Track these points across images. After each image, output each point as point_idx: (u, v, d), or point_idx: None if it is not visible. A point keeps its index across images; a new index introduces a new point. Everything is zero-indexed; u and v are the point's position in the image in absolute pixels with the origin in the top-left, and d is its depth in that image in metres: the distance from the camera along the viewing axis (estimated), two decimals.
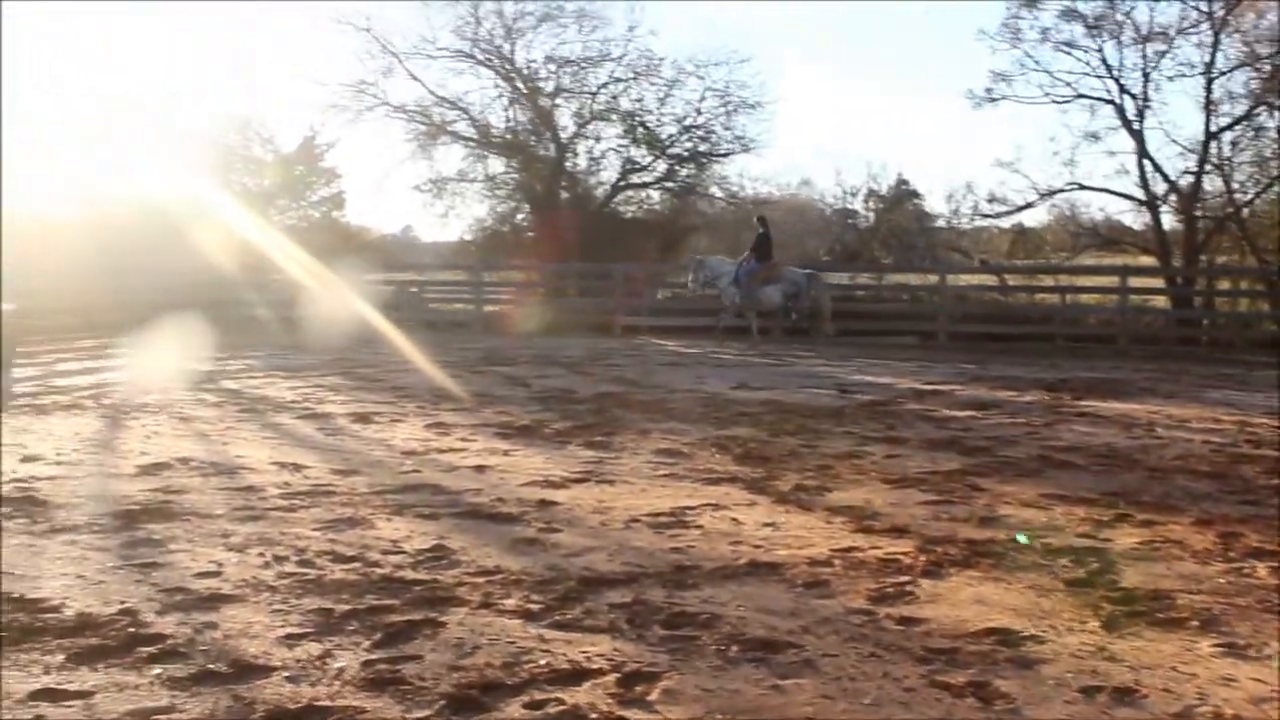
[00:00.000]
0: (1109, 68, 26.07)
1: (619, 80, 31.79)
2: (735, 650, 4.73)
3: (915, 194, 36.25)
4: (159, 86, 34.81)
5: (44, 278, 22.12)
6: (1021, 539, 6.61)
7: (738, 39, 40.13)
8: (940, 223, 34.52)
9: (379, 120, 32.35)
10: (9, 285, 16.49)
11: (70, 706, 4.12)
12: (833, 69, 68.07)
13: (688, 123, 31.75)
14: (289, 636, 4.83)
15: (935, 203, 35.16)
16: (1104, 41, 25.91)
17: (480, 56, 32.05)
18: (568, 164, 32.37)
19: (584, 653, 4.67)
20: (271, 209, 34.50)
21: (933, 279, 26.67)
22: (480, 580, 5.66)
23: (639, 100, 32.08)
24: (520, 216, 33.73)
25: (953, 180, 37.85)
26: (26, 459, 8.79)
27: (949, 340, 22.57)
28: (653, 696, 4.27)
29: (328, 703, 4.16)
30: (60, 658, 4.57)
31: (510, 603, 5.31)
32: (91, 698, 4.19)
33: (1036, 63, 26.65)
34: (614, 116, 32.41)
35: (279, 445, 9.51)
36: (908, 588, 5.67)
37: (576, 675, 4.44)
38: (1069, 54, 26.38)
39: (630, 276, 25.87)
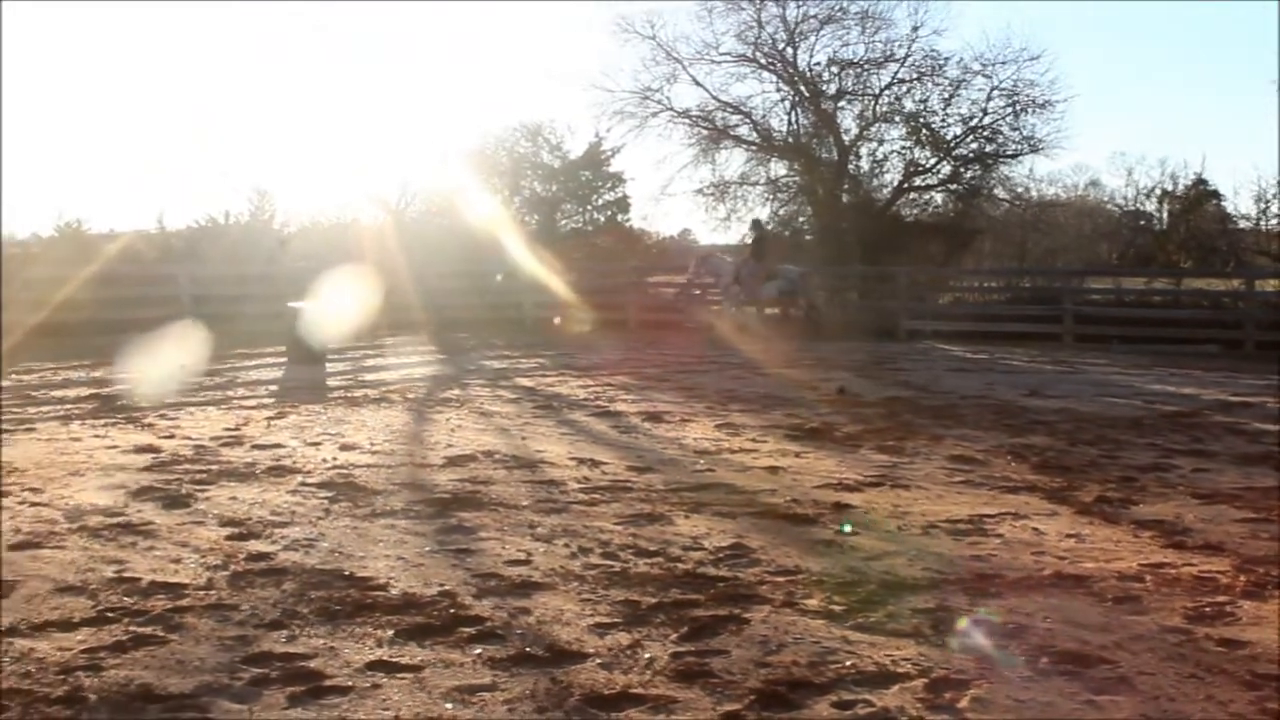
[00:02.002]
0: None
1: (902, 81, 31.31)
2: (1045, 662, 4.62)
3: (1215, 194, 34.41)
4: (454, 96, 36.25)
5: (346, 278, 23.48)
6: None
7: (1031, 37, 38.93)
8: (1245, 224, 32.63)
9: (663, 125, 32.87)
10: (318, 285, 17.60)
11: (402, 678, 4.38)
12: (1129, 67, 65.29)
13: (973, 123, 30.98)
14: (599, 625, 4.99)
15: (1241, 204, 33.21)
16: None
17: (763, 60, 32.16)
18: (850, 167, 32.09)
19: (889, 656, 4.65)
20: (558, 213, 35.61)
21: (1237, 284, 25.18)
22: (781, 579, 5.71)
23: (923, 101, 31.53)
24: (802, 219, 33.66)
25: (1263, 180, 35.52)
26: (345, 447, 9.38)
27: (1256, 350, 21.25)
28: (962, 704, 4.22)
29: (641, 690, 4.29)
30: (390, 633, 4.87)
31: (812, 603, 5.34)
32: (421, 672, 4.45)
33: None
34: (897, 118, 31.96)
35: (575, 441, 9.82)
36: (1227, 608, 5.39)
37: (884, 678, 4.43)
38: None
39: (915, 280, 25.43)
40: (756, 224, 23.84)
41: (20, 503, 7.40)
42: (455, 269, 25.95)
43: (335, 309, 17.68)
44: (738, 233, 34.63)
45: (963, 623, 5.07)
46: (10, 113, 62.92)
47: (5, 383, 14.41)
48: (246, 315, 19.18)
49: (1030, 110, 30.30)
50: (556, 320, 24.01)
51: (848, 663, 4.57)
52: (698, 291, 23.00)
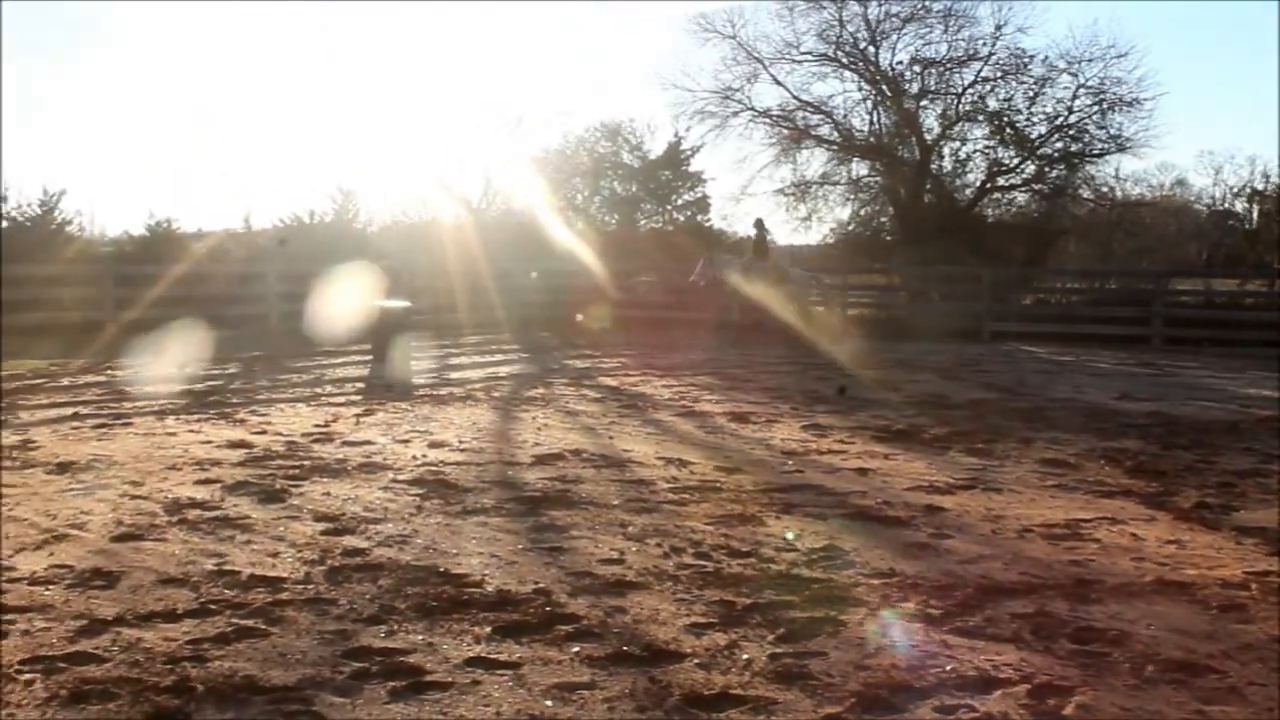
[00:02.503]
0: None
1: (986, 80, 30.95)
2: (1151, 670, 4.54)
3: None
4: (537, 99, 36.46)
5: (432, 278, 23.70)
6: None
7: (1118, 33, 38.27)
8: None
9: (743, 125, 32.78)
10: (403, 284, 17.77)
11: (502, 675, 4.41)
12: (1214, 63, 64.02)
13: (1059, 122, 30.53)
14: (695, 625, 4.98)
15: None
16: None
17: (844, 59, 31.97)
18: (932, 166, 31.80)
19: (990, 661, 4.59)
20: (638, 213, 35.64)
21: None
22: (876, 582, 5.66)
23: (1007, 100, 31.13)
24: (883, 219, 33.41)
25: None
26: (433, 444, 9.45)
27: None
28: (1067, 711, 4.16)
29: (740, 691, 4.27)
30: (487, 630, 4.90)
31: (909, 606, 5.29)
32: (520, 669, 4.47)
33: None
34: (980, 117, 31.61)
35: (662, 441, 9.81)
36: None
37: (986, 683, 4.38)
38: None
39: (1000, 281, 25.08)
40: (759, 223, 23.77)
41: (121, 495, 7.56)
42: (535, 268, 26.07)
43: (418, 307, 17.86)
44: (818, 233, 34.49)
45: None
46: (102, 115, 64.37)
47: (101, 377, 14.73)
48: (332, 313, 19.35)
49: (1117, 108, 29.85)
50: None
51: (948, 667, 4.52)
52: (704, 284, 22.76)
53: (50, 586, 5.56)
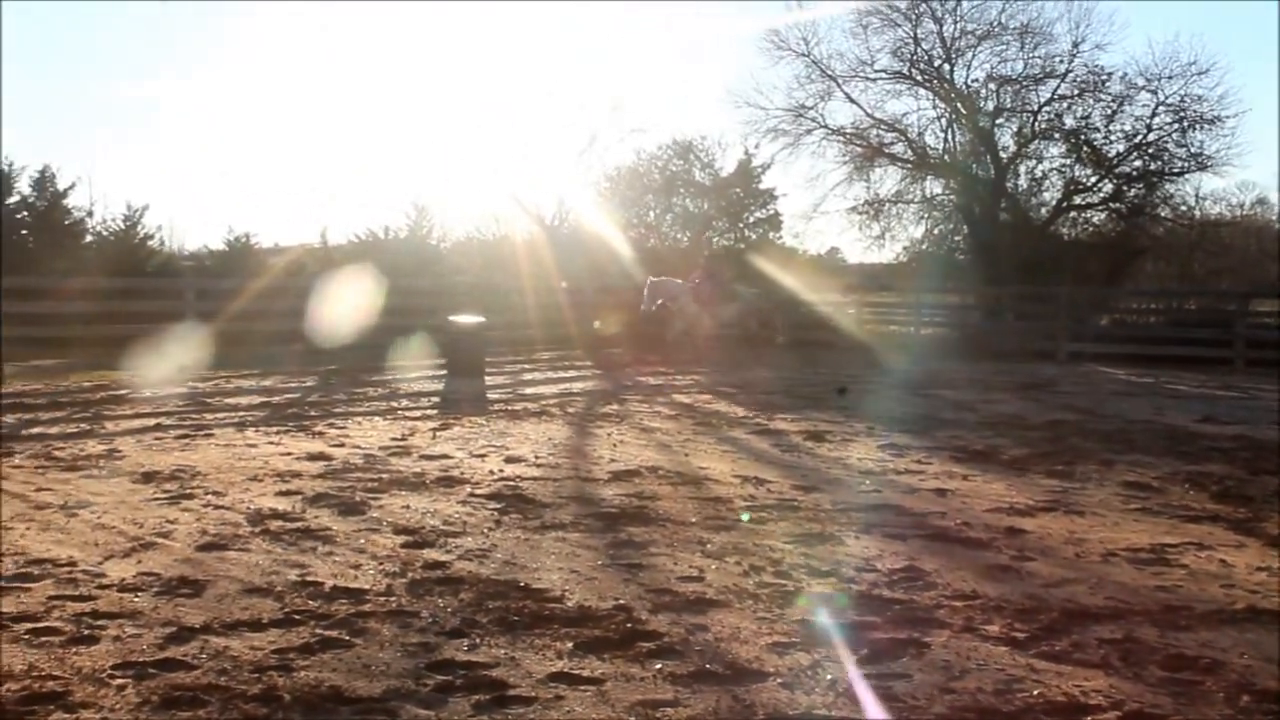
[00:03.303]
0: None
1: (1063, 98, 30.67)
2: (1247, 700, 4.44)
3: None
4: (606, 113, 36.58)
5: (505, 294, 23.83)
6: None
7: (1200, 49, 37.71)
8: None
9: (816, 143, 32.72)
10: (476, 301, 17.89)
11: (584, 691, 4.40)
12: None
13: (1137, 140, 30.15)
14: (777, 644, 4.95)
15: None
16: None
17: (919, 77, 31.85)
18: (1007, 184, 31.54)
19: (1078, 687, 4.51)
20: (710, 230, 35.66)
21: None
22: (959, 604, 5.59)
23: (1084, 118, 30.82)
24: (957, 238, 33.17)
25: None
26: (510, 459, 9.50)
27: None
28: None
29: (824, 712, 4.24)
30: (569, 645, 4.90)
31: (993, 629, 5.21)
32: (603, 685, 4.46)
33: None
34: (1057, 135, 31.32)
35: (738, 459, 9.79)
36: None
37: (1074, 709, 4.30)
38: None
39: (1076, 301, 24.72)
40: (709, 242, 23.68)
41: (204, 505, 7.67)
42: (606, 284, 26.13)
43: (491, 322, 17.97)
44: (891, 251, 34.31)
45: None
46: (184, 131, 65.51)
47: (181, 389, 14.96)
48: (405, 328, 19.56)
49: (1198, 126, 29.42)
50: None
51: (1035, 692, 4.45)
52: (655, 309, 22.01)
53: (139, 593, 5.65)
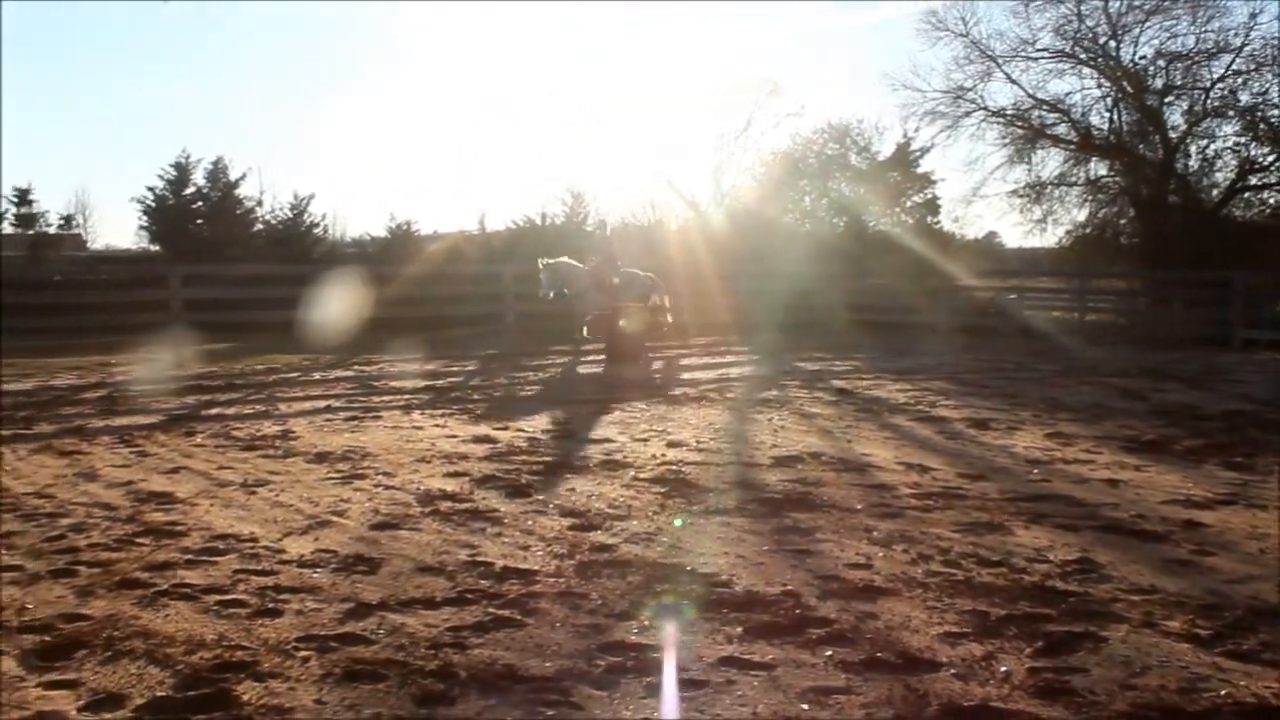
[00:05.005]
0: None
1: (1238, 73, 29.56)
2: None
3: None
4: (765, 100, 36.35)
5: (661, 279, 23.85)
6: None
7: None
8: None
9: (975, 125, 32.11)
10: (630, 286, 17.96)
11: (756, 676, 4.40)
12: None
13: None
14: (949, 634, 4.87)
15: None
16: None
17: (1083, 55, 31.03)
18: (1177, 165, 30.50)
19: (1270, 688, 4.34)
20: (866, 215, 35.24)
21: None
22: (1136, 598, 5.43)
23: (1261, 94, 29.64)
24: (1123, 221, 32.21)
25: None
26: (672, 444, 9.54)
27: None
28: None
29: (1000, 705, 4.15)
30: (739, 630, 4.90)
31: (1174, 625, 5.05)
32: (774, 670, 4.45)
33: None
34: (1231, 113, 30.19)
35: (901, 445, 9.66)
36: None
37: (1266, 712, 4.14)
38: None
39: (1252, 286, 23.71)
40: (602, 224, 21.21)
41: (375, 485, 7.88)
42: (762, 270, 26.00)
43: (647, 308, 18.01)
44: (1054, 235, 33.50)
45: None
46: (348, 123, 67.23)
47: (348, 372, 15.38)
48: (565, 313, 19.77)
49: None
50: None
51: (1222, 692, 4.29)
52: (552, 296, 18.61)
53: (318, 570, 5.83)
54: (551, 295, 18.24)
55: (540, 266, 18.28)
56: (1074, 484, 8.15)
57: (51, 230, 30.09)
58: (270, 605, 5.24)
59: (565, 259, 18.53)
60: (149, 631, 4.87)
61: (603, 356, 16.88)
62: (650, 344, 18.44)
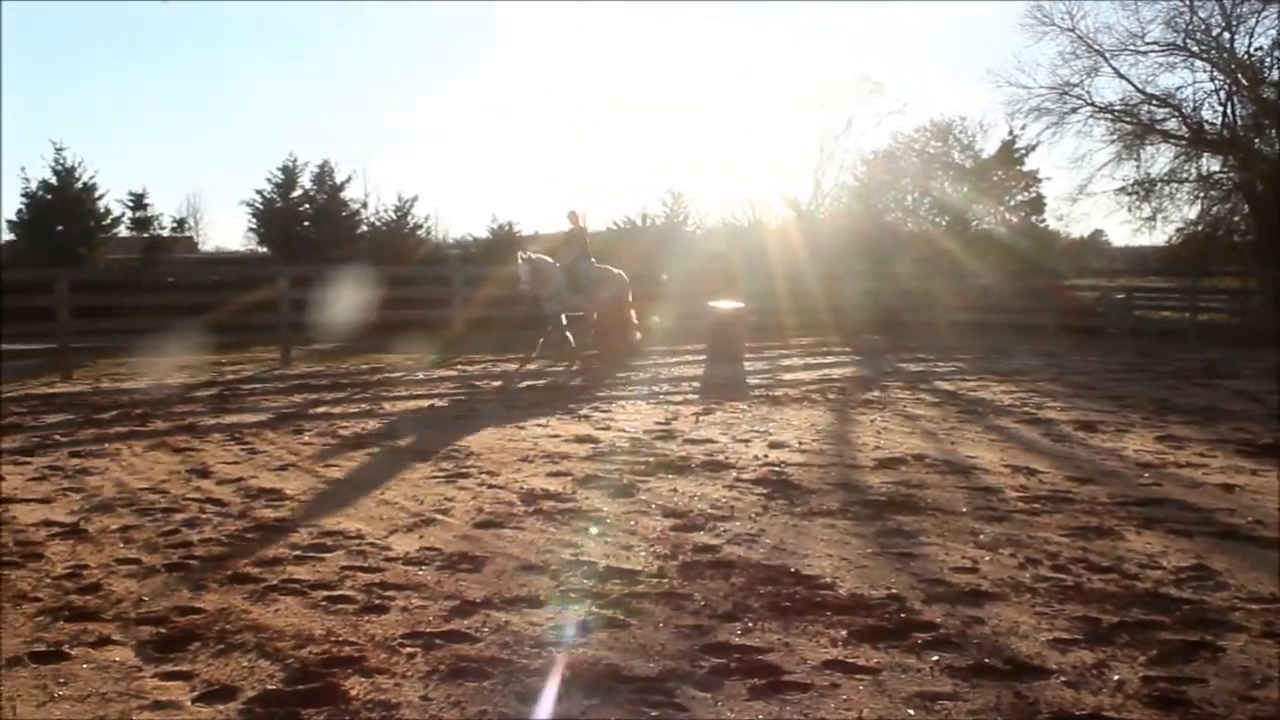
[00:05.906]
0: None
1: None
2: None
3: None
4: (859, 97, 36.10)
5: (762, 280, 23.75)
6: None
7: None
8: None
9: (1082, 122, 31.53)
10: (737, 287, 17.92)
11: (860, 680, 4.36)
12: None
13: None
14: (1058, 641, 4.79)
15: None
16: None
17: (1194, 48, 30.28)
18: None
19: None
20: (970, 213, 34.77)
21: None
22: (1255, 607, 5.28)
23: None
24: (1237, 218, 31.37)
25: None
26: (774, 445, 9.50)
27: None
28: None
29: (1113, 714, 4.07)
30: (843, 633, 4.86)
31: None
32: (879, 674, 4.41)
33: None
34: None
35: (1006, 448, 9.51)
36: None
37: None
38: None
39: None
40: (573, 215, 18.99)
41: (479, 484, 7.96)
42: (864, 270, 25.76)
43: (749, 308, 17.95)
44: (1163, 233, 32.77)
45: None
46: (451, 125, 68.02)
47: (452, 371, 15.55)
48: (664, 313, 19.78)
49: None
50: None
51: None
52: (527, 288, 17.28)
53: (423, 567, 5.90)
54: (527, 289, 17.22)
55: (520, 261, 17.37)
56: (1187, 488, 7.96)
57: (165, 233, 30.84)
58: (377, 601, 5.32)
59: (543, 255, 17.82)
60: (259, 625, 4.98)
61: (704, 357, 16.80)
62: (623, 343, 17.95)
